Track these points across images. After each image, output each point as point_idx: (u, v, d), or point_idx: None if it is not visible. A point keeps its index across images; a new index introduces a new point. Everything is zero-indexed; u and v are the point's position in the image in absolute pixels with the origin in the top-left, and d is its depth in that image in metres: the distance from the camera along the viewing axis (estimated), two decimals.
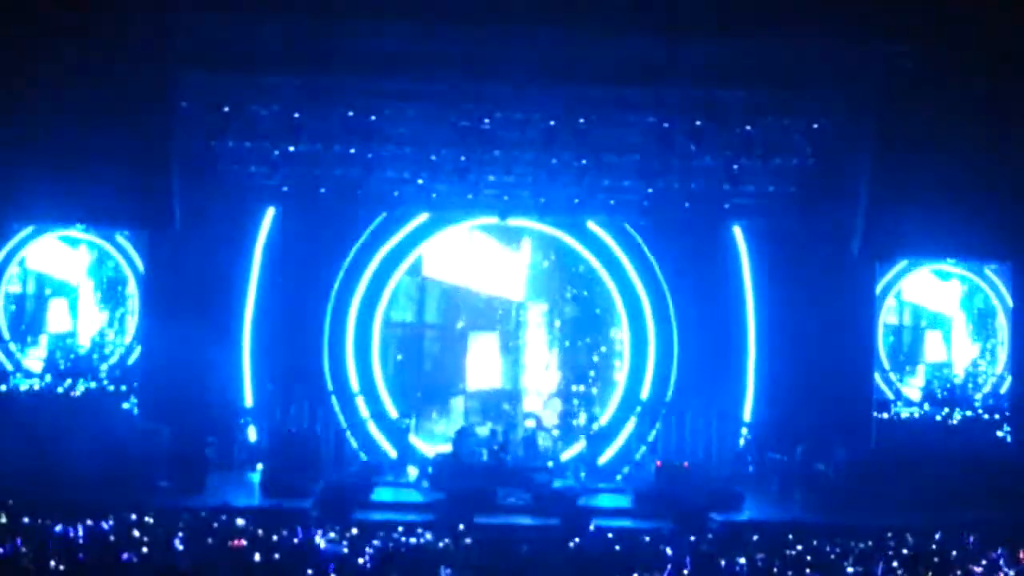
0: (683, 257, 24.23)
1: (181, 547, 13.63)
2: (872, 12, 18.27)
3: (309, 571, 12.52)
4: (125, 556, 12.42)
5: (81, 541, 13.73)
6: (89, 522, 14.89)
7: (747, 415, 23.72)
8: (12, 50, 19.04)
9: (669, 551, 14.65)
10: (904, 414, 23.45)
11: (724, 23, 18.28)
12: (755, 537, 16.34)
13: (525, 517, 19.76)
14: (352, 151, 21.34)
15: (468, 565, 13.83)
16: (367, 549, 14.19)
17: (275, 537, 14.79)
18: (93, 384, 22.47)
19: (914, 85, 19.58)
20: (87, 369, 22.71)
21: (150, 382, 22.27)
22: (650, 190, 22.60)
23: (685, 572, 13.44)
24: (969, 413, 23.39)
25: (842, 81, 20.08)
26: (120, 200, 21.80)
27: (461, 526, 16.75)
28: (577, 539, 16.14)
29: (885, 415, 23.14)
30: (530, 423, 24.16)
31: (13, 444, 19.94)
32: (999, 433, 23.17)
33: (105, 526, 14.89)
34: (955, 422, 23.24)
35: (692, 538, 16.33)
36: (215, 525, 15.59)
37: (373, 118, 20.56)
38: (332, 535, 15.35)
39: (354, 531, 16.00)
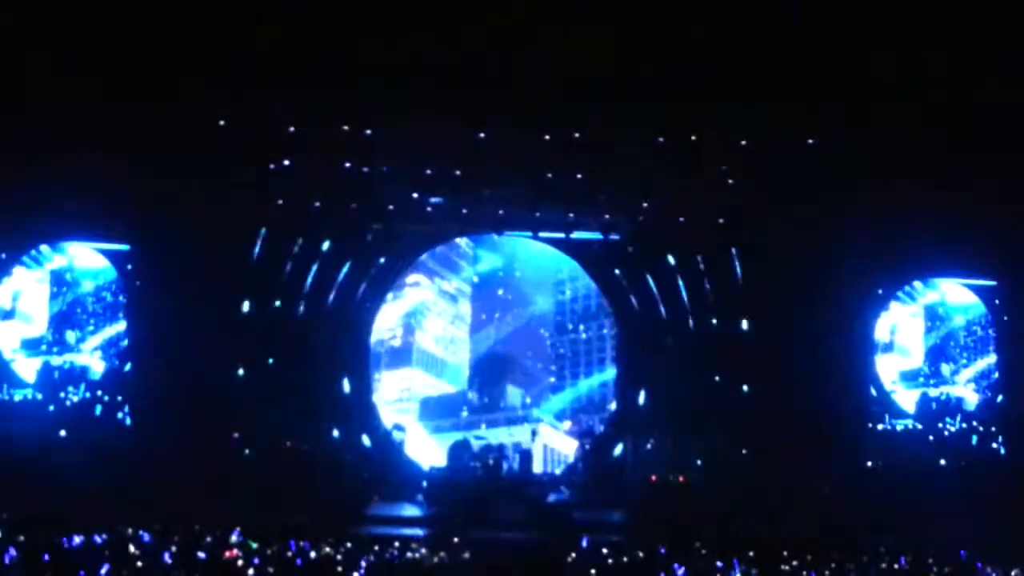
0: (679, 271, 24.24)
1: (171, 560, 13.57)
2: (870, 29, 18.32)
3: None
4: (106, 568, 12.32)
5: (76, 553, 13.66)
6: (81, 536, 14.83)
7: (744, 431, 23.66)
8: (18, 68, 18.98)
9: (663, 566, 14.64)
10: (899, 427, 23.52)
11: (721, 38, 18.34)
12: (751, 552, 16.32)
13: (519, 532, 19.73)
14: (347, 165, 21.34)
15: None
16: (362, 563, 14.17)
17: (269, 551, 14.75)
18: (88, 395, 22.46)
19: (909, 104, 19.63)
20: (81, 380, 22.68)
21: (144, 394, 22.23)
22: (644, 204, 22.62)
23: None
24: (964, 425, 23.47)
25: (839, 97, 20.14)
26: (115, 214, 21.84)
27: (456, 540, 16.73)
28: (572, 554, 16.13)
29: (881, 426, 23.21)
30: (526, 438, 24.16)
31: (7, 456, 19.88)
32: (993, 445, 23.26)
33: (99, 539, 14.82)
34: (948, 433, 23.32)
35: (686, 553, 16.32)
36: (209, 539, 15.53)
37: (369, 132, 20.56)
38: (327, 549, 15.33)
39: (348, 545, 15.97)
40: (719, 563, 15.17)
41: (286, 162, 21.32)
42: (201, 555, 14.00)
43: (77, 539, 14.61)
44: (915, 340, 24.59)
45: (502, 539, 18.91)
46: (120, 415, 22.28)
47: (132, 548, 14.06)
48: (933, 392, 24.08)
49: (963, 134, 20.03)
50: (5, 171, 20.42)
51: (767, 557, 16.01)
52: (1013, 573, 14.67)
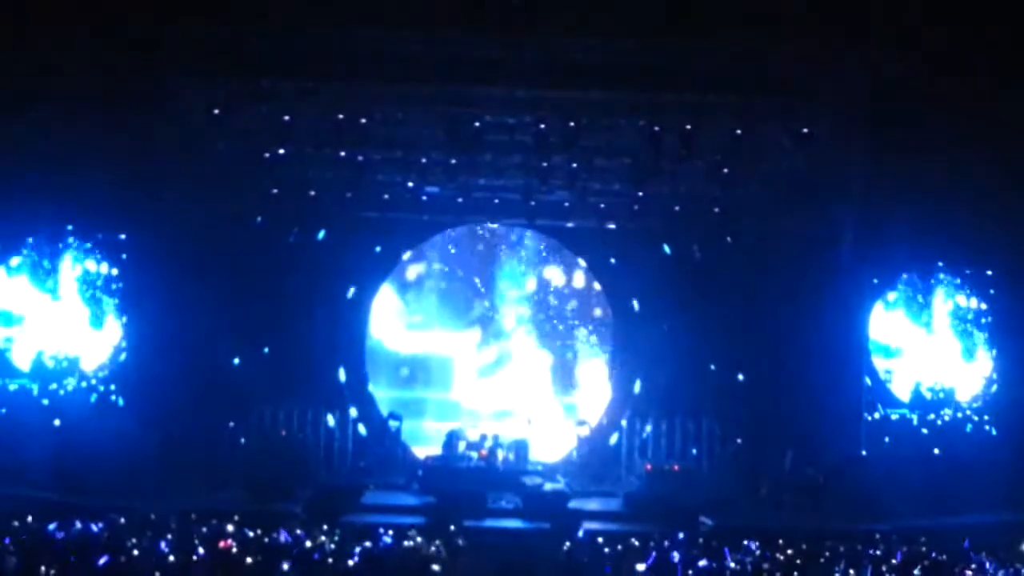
0: (674, 261, 24.23)
1: (168, 549, 13.57)
2: (862, 19, 18.30)
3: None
4: (105, 559, 12.32)
5: (70, 543, 13.67)
6: (78, 524, 14.84)
7: (738, 419, 23.70)
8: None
9: (658, 554, 14.65)
10: (894, 416, 23.56)
11: (715, 28, 18.30)
12: (745, 541, 16.35)
13: (515, 520, 19.76)
14: (343, 154, 21.27)
15: (458, 568, 13.83)
16: (356, 551, 14.17)
17: (266, 539, 14.76)
18: (83, 385, 22.44)
19: (905, 93, 19.61)
20: (75, 370, 22.66)
21: (138, 384, 22.22)
22: (640, 194, 22.61)
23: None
24: (960, 415, 23.53)
25: (832, 87, 20.10)
26: (109, 204, 21.78)
27: (451, 528, 16.75)
28: (567, 543, 16.15)
29: (877, 415, 23.25)
30: (522, 427, 24.12)
31: (2, 446, 19.88)
32: (988, 434, 23.31)
33: (95, 528, 14.84)
34: (942, 422, 23.38)
35: (681, 542, 16.34)
36: (204, 529, 15.53)
37: (364, 121, 20.47)
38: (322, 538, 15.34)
39: (343, 533, 15.98)
40: (714, 551, 15.20)
41: (281, 151, 21.24)
42: (197, 544, 14.01)
43: (74, 528, 14.64)
44: (910, 329, 24.60)
45: (497, 528, 18.94)
46: (115, 405, 22.25)
47: (128, 537, 14.07)
48: (927, 382, 24.12)
49: (961, 123, 20.04)
50: None
51: (761, 545, 16.03)
52: (1007, 562, 14.71)
